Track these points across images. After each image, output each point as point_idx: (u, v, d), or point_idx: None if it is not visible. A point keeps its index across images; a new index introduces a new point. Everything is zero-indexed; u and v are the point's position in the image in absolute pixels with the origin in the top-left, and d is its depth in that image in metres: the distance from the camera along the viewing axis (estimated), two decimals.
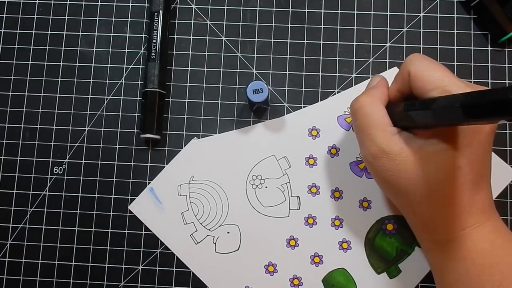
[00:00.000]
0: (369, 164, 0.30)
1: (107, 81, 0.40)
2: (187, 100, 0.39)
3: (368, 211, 0.37)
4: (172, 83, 0.39)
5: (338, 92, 0.39)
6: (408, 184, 0.28)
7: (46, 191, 0.39)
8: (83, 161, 0.39)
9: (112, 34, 0.40)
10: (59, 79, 0.40)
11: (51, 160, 0.39)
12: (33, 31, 0.40)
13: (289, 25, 0.40)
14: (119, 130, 0.39)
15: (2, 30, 0.41)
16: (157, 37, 0.38)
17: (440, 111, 0.25)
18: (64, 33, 0.40)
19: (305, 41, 0.39)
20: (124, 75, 0.40)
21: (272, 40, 0.39)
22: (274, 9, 0.40)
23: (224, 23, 0.40)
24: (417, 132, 0.29)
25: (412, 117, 0.28)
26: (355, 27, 0.39)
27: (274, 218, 0.37)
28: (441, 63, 0.38)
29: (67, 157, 0.39)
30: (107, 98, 0.39)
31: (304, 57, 0.39)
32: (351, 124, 0.38)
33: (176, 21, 0.40)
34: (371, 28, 0.39)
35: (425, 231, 0.30)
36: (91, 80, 0.40)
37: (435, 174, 0.27)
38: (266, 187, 0.38)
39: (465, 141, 0.27)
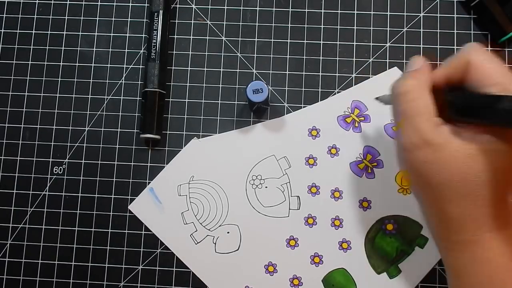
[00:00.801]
0: (407, 153, 0.27)
1: (107, 81, 0.40)
2: (187, 100, 0.39)
3: (368, 211, 0.37)
4: (172, 83, 0.39)
5: (338, 92, 0.39)
6: (446, 180, 0.26)
7: (46, 191, 0.39)
8: (83, 161, 0.39)
9: (112, 34, 0.40)
10: (59, 79, 0.40)
11: (51, 160, 0.39)
12: (33, 31, 0.40)
13: (289, 25, 0.40)
14: (119, 130, 0.39)
15: (2, 30, 0.41)
16: (157, 37, 0.38)
17: (505, 112, 0.23)
18: (64, 33, 0.40)
19: (305, 41, 0.39)
20: (124, 75, 0.40)
21: (272, 40, 0.39)
22: (274, 9, 0.40)
23: (224, 23, 0.40)
24: (462, 125, 0.27)
25: (464, 112, 0.26)
26: (355, 27, 0.39)
27: (274, 218, 0.37)
28: (441, 63, 0.38)
29: (67, 157, 0.39)
30: (107, 98, 0.39)
31: (304, 57, 0.39)
32: (352, 125, 0.38)
33: (176, 21, 0.40)
34: (371, 28, 0.39)
35: (448, 229, 0.28)
36: (91, 80, 0.40)
37: (481, 173, 0.26)
38: (266, 187, 0.38)
39: None
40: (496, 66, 0.27)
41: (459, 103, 0.27)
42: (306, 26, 0.39)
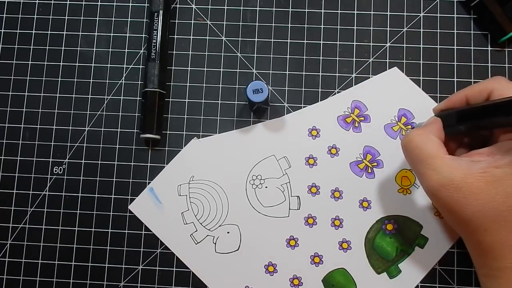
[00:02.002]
0: (433, 195, 0.28)
1: (107, 81, 0.40)
2: (187, 100, 0.39)
3: (368, 211, 0.37)
4: (172, 83, 0.39)
5: (338, 92, 0.39)
6: (475, 211, 0.27)
7: (46, 191, 0.39)
8: (83, 161, 0.39)
9: (112, 34, 0.40)
10: (59, 79, 0.40)
11: (51, 160, 0.39)
12: (33, 31, 0.40)
13: (289, 25, 0.40)
14: (119, 130, 0.39)
15: (2, 30, 0.41)
16: (157, 37, 0.38)
17: None
18: (64, 33, 0.40)
19: (305, 41, 0.39)
20: (124, 75, 0.40)
21: (272, 40, 0.39)
22: (274, 9, 0.40)
23: (224, 23, 0.40)
24: (474, 154, 0.28)
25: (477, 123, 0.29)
26: (355, 27, 0.39)
27: (274, 218, 0.37)
28: (441, 63, 0.39)
29: (67, 157, 0.39)
30: (107, 98, 0.39)
31: (304, 57, 0.39)
32: (352, 125, 0.38)
33: (176, 21, 0.40)
34: (371, 28, 0.39)
35: (488, 257, 0.28)
36: (91, 80, 0.40)
37: (504, 199, 0.26)
38: (266, 187, 0.38)
39: None
40: None
41: (469, 110, 0.29)
42: (306, 26, 0.39)
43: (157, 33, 0.38)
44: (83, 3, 0.41)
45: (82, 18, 0.40)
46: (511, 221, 0.26)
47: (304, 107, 0.39)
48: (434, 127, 0.31)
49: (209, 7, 0.40)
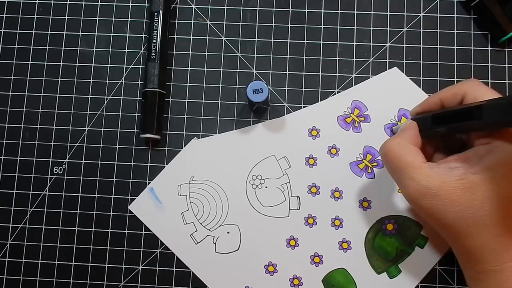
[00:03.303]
0: (413, 203, 0.29)
1: (107, 81, 0.40)
2: (187, 100, 0.39)
3: (368, 211, 0.37)
4: (172, 83, 0.39)
5: (338, 92, 0.39)
6: (455, 218, 0.27)
7: (46, 191, 0.39)
8: (83, 161, 0.39)
9: (112, 34, 0.40)
10: (59, 79, 0.40)
11: (51, 160, 0.39)
12: (33, 31, 0.40)
13: (289, 25, 0.40)
14: (119, 130, 0.39)
15: (2, 30, 0.41)
16: (157, 37, 0.38)
17: (488, 110, 0.26)
18: (64, 33, 0.40)
19: (305, 41, 0.39)
20: (124, 75, 0.40)
21: (272, 40, 0.39)
22: (274, 9, 0.40)
23: (224, 23, 0.40)
24: (451, 160, 0.29)
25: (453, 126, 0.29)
26: (355, 27, 0.39)
27: (274, 218, 0.37)
28: (441, 63, 0.39)
29: (67, 157, 0.39)
30: (107, 98, 0.39)
31: (304, 57, 0.39)
32: (352, 125, 0.38)
33: (176, 21, 0.40)
34: (371, 28, 0.39)
35: (471, 260, 0.29)
36: (91, 80, 0.40)
37: (482, 205, 0.26)
38: (266, 187, 0.38)
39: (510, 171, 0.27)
40: (490, 95, 0.28)
41: (443, 113, 0.30)
42: (306, 26, 0.39)
43: (157, 33, 0.38)
44: (83, 3, 0.41)
45: (82, 18, 0.40)
46: (491, 225, 0.27)
47: (304, 107, 0.39)
48: (411, 134, 0.31)
49: (209, 7, 0.40)
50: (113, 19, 0.40)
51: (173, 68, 0.39)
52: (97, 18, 0.40)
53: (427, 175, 0.28)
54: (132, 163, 0.39)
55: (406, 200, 0.30)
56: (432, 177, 0.28)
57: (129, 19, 0.40)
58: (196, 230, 0.37)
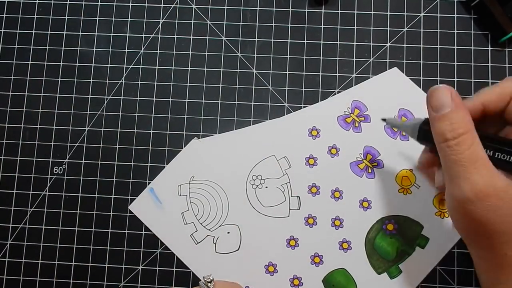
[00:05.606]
0: (468, 204, 0.26)
1: (107, 81, 0.40)
2: (187, 100, 0.39)
3: (368, 211, 0.37)
4: (172, 83, 0.39)
5: (338, 92, 0.39)
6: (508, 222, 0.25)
7: (46, 191, 0.39)
8: (83, 161, 0.39)
9: (112, 34, 0.40)
10: (59, 79, 0.40)
11: (51, 160, 0.39)
12: (33, 31, 0.40)
13: (289, 25, 0.40)
14: (119, 130, 0.39)
15: (2, 30, 0.41)
16: None
17: None
18: (64, 33, 0.40)
19: (305, 41, 0.39)
20: (124, 75, 0.40)
21: (272, 40, 0.39)
22: (274, 9, 0.40)
23: (224, 23, 0.40)
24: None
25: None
26: (355, 27, 0.39)
27: (274, 218, 0.37)
28: (441, 63, 0.39)
29: (67, 157, 0.39)
30: (107, 98, 0.39)
31: (304, 57, 0.39)
32: (352, 125, 0.38)
33: (176, 21, 0.40)
34: (371, 28, 0.39)
35: (508, 273, 0.26)
36: (91, 80, 0.40)
37: None
38: (266, 187, 0.38)
39: None
40: None
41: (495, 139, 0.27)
42: (306, 26, 0.39)
43: None
44: (83, 3, 0.41)
45: (82, 18, 0.40)
46: None
47: (304, 107, 0.39)
48: (470, 118, 0.27)
49: (209, 7, 0.40)
50: (113, 19, 0.40)
51: (173, 68, 0.39)
52: (97, 18, 0.40)
53: (494, 175, 0.25)
54: (132, 163, 0.39)
55: (454, 202, 0.26)
56: (498, 178, 0.25)
57: (129, 19, 0.40)
58: (196, 230, 0.37)
